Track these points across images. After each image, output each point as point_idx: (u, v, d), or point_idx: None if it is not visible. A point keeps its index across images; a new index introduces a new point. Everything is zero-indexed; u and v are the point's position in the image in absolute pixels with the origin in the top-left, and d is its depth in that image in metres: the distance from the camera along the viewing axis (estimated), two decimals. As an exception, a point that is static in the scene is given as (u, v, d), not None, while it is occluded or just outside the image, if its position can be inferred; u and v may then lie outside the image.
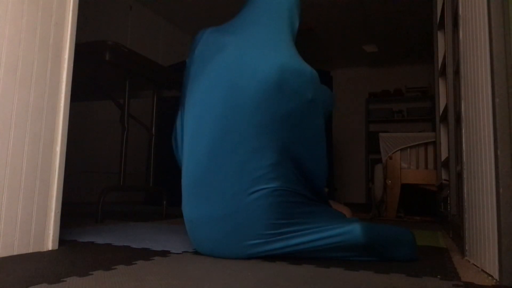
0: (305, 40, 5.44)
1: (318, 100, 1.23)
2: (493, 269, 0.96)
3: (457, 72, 1.67)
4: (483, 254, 1.07)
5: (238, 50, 1.21)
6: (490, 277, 0.99)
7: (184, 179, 1.21)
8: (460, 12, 1.45)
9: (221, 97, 1.17)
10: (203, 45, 1.29)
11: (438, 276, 0.99)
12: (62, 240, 1.38)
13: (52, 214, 1.22)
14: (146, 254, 1.18)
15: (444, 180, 2.44)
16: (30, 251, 1.15)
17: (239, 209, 1.11)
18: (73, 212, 2.65)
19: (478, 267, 1.13)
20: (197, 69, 1.26)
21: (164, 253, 1.21)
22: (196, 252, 1.24)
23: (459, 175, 1.63)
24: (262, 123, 1.14)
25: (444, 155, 2.46)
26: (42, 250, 1.19)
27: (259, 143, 1.13)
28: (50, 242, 1.21)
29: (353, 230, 1.11)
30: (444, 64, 2.23)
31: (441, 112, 2.51)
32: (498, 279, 0.92)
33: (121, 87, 2.55)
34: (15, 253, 1.11)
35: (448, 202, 2.06)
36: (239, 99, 1.15)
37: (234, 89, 1.16)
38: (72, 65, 1.30)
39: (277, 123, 1.15)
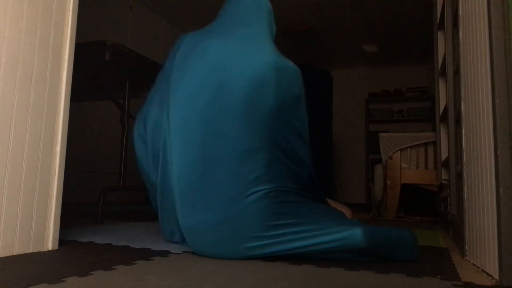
0: (305, 40, 5.44)
1: (303, 94, 1.24)
2: (493, 269, 0.96)
3: (457, 72, 1.67)
4: (483, 254, 1.07)
5: (222, 51, 1.19)
6: (490, 277, 0.99)
7: (176, 186, 1.19)
8: (460, 12, 1.45)
9: (209, 99, 1.15)
10: (185, 49, 1.27)
11: (438, 276, 0.99)
12: (62, 240, 1.38)
13: (52, 214, 1.22)
14: (146, 254, 1.18)
15: (444, 180, 2.44)
16: (30, 251, 1.15)
17: (236, 213, 1.10)
18: (73, 212, 2.65)
19: (478, 267, 1.13)
20: (179, 74, 1.23)
21: (164, 253, 1.21)
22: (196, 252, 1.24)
23: (459, 175, 1.63)
24: (253, 122, 1.12)
25: (444, 155, 2.46)
26: (42, 250, 1.19)
27: (251, 144, 1.12)
28: (50, 242, 1.21)
29: (354, 235, 1.09)
30: (444, 64, 2.23)
31: (441, 112, 2.51)
32: (498, 279, 0.92)
33: (121, 87, 2.55)
34: (15, 253, 1.11)
35: (448, 202, 2.06)
36: (227, 100, 1.13)
37: (221, 89, 1.14)
38: (72, 65, 1.30)
39: (268, 121, 1.13)
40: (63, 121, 1.26)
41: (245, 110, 1.12)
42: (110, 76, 2.38)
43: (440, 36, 2.52)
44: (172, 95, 1.23)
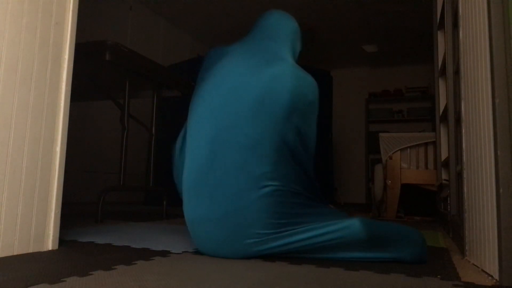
0: (305, 40, 5.44)
1: (317, 104, 1.27)
2: (493, 269, 0.96)
3: (457, 72, 1.67)
4: (483, 254, 1.07)
5: (243, 56, 1.25)
6: (490, 277, 0.99)
7: (185, 179, 1.22)
8: (460, 12, 1.45)
9: (222, 95, 1.18)
10: (212, 55, 1.35)
11: (438, 276, 0.99)
12: (62, 240, 1.38)
13: (52, 214, 1.22)
14: (146, 254, 1.18)
15: (444, 180, 2.44)
16: (30, 251, 1.15)
17: (240, 208, 1.11)
18: (73, 212, 2.65)
19: (478, 267, 1.13)
20: (203, 76, 1.31)
21: (164, 253, 1.21)
22: (196, 252, 1.24)
23: (459, 175, 1.63)
24: (263, 120, 1.14)
25: (444, 155, 2.46)
26: (42, 250, 1.19)
27: (259, 139, 1.13)
28: (50, 242, 1.21)
29: (353, 224, 1.11)
30: (444, 64, 2.23)
31: (441, 112, 2.52)
32: (498, 279, 0.92)
33: (121, 87, 2.55)
34: (15, 253, 1.11)
35: (448, 202, 2.06)
36: (241, 96, 1.16)
37: (236, 88, 1.18)
38: (72, 65, 1.30)
39: (278, 121, 1.15)
40: (63, 121, 1.26)
41: (257, 107, 1.15)
42: (110, 76, 2.38)
43: (440, 36, 2.52)
44: (194, 93, 1.30)
